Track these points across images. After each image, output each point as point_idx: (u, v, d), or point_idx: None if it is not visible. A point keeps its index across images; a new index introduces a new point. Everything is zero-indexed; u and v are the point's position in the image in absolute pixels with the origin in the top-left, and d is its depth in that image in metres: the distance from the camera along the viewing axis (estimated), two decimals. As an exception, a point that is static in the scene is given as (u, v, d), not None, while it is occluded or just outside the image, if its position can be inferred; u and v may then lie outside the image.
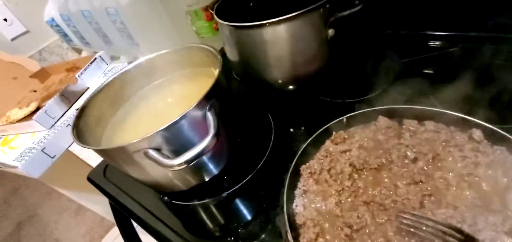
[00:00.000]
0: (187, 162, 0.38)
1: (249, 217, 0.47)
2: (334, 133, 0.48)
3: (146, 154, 0.41)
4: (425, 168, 0.39)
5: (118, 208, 0.63)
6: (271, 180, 0.50)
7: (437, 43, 0.64)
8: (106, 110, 0.57)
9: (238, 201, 0.50)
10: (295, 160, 0.45)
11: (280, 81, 0.59)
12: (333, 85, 0.63)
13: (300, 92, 0.62)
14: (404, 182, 0.38)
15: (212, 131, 0.39)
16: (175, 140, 0.41)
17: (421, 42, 0.64)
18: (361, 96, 0.57)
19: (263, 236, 0.44)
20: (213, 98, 0.43)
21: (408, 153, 0.41)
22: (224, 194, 0.51)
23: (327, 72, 0.59)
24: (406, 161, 0.41)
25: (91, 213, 1.52)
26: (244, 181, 0.52)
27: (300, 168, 0.45)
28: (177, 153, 0.39)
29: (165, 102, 0.57)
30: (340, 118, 0.48)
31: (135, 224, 0.67)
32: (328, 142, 0.47)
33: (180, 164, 0.38)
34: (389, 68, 0.61)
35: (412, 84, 0.54)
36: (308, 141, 0.47)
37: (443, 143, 0.41)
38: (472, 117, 0.41)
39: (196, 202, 0.52)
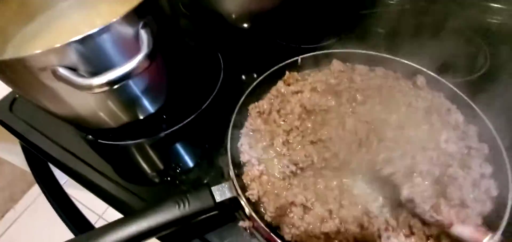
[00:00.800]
0: (110, 83, 0.31)
1: (189, 158, 0.43)
2: (287, 73, 0.45)
3: (56, 74, 0.32)
4: (371, 109, 0.39)
5: (31, 150, 0.52)
6: (217, 121, 0.46)
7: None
8: (7, 25, 0.44)
9: (178, 142, 0.45)
10: (242, 98, 0.42)
11: (233, 16, 0.53)
12: (290, 29, 0.59)
13: (255, 32, 0.57)
14: (352, 121, 0.37)
15: (144, 50, 0.32)
16: (95, 58, 0.33)
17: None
18: (317, 43, 0.55)
19: (204, 176, 0.40)
20: (149, 15, 0.36)
21: (358, 96, 0.41)
22: (162, 134, 0.45)
23: (284, 13, 0.55)
24: (354, 104, 0.40)
25: (10, 165, 1.30)
26: (186, 121, 0.46)
27: (248, 107, 0.42)
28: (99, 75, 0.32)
29: (90, 23, 0.46)
30: (295, 58, 0.46)
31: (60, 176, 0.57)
32: (280, 83, 0.45)
33: (100, 85, 0.30)
34: (347, 18, 0.60)
35: (367, 34, 0.53)
36: (258, 79, 0.43)
37: (390, 88, 0.41)
38: (417, 65, 0.42)
39: (128, 142, 0.45)
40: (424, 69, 0.41)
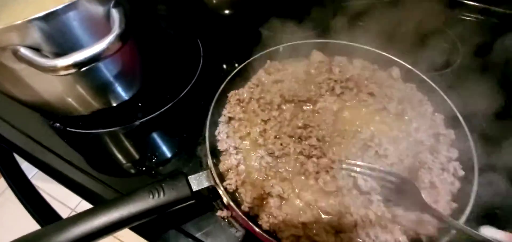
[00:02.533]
0: (77, 65, 0.28)
1: (166, 148, 0.41)
2: (268, 62, 0.44)
3: (17, 54, 0.29)
4: (349, 100, 0.39)
5: (-7, 139, 0.48)
6: (196, 109, 0.44)
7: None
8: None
9: (154, 131, 0.43)
10: (222, 86, 0.41)
11: (214, 1, 0.51)
12: (272, 17, 0.58)
13: (236, 19, 0.56)
14: (328, 112, 0.37)
15: (116, 30, 0.30)
16: (61, 37, 0.30)
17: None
18: (299, 32, 0.54)
19: (182, 166, 0.39)
20: (121, -6, 0.33)
21: (336, 87, 0.41)
22: (137, 123, 0.43)
23: (266, 1, 0.54)
24: (332, 95, 0.41)
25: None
26: (163, 109, 0.45)
27: (228, 94, 0.41)
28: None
29: (58, 1, 0.43)
30: (276, 47, 0.45)
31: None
32: (261, 71, 0.44)
33: (66, 67, 0.28)
34: (329, 9, 0.59)
35: (348, 26, 0.54)
36: (238, 67, 0.42)
37: (366, 80, 0.42)
38: (394, 57, 0.43)
39: (100, 130, 0.43)
40: (399, 61, 0.43)
